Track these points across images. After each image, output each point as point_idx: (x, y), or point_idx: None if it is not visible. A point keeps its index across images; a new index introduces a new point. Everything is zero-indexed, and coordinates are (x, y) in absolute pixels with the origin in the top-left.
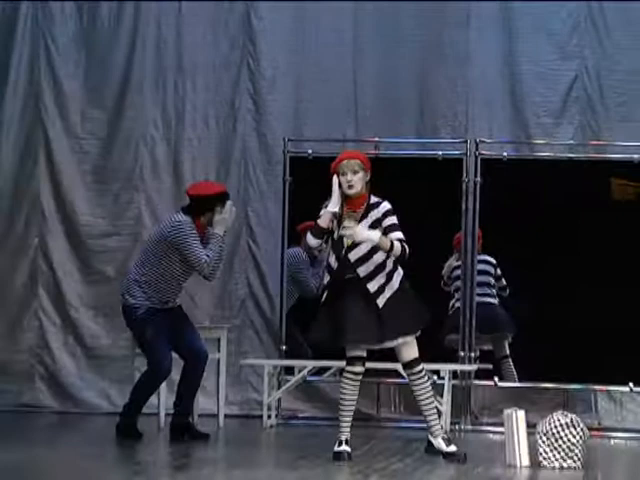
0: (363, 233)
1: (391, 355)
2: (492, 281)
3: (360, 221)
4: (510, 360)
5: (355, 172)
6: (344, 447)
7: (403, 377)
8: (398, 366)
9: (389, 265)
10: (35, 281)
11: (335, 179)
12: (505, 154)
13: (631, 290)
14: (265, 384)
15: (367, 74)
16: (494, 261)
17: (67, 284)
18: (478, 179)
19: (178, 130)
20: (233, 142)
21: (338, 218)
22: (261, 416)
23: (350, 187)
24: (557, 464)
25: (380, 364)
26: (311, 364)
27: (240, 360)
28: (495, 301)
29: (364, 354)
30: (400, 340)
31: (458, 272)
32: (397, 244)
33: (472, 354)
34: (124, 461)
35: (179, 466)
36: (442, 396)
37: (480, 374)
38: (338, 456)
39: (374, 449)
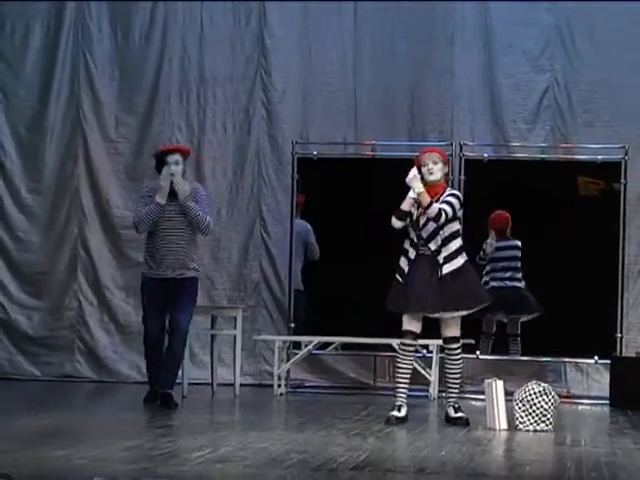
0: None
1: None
2: (519, 265)
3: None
4: (519, 338)
5: (435, 162)
6: (394, 412)
7: (396, 351)
8: (392, 341)
9: (455, 245)
10: (75, 266)
11: (415, 170)
12: (485, 155)
13: (595, 274)
14: (276, 357)
15: (365, 86)
16: (520, 245)
17: (102, 269)
18: (462, 177)
19: (200, 134)
20: (248, 145)
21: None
22: (272, 385)
23: (430, 174)
24: (531, 427)
25: (376, 340)
26: (316, 339)
27: (254, 336)
28: (522, 285)
29: (416, 330)
30: (455, 314)
31: (497, 254)
32: (434, 206)
33: None
34: (151, 424)
35: (200, 429)
36: (431, 367)
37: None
38: (387, 420)
39: (372, 414)
